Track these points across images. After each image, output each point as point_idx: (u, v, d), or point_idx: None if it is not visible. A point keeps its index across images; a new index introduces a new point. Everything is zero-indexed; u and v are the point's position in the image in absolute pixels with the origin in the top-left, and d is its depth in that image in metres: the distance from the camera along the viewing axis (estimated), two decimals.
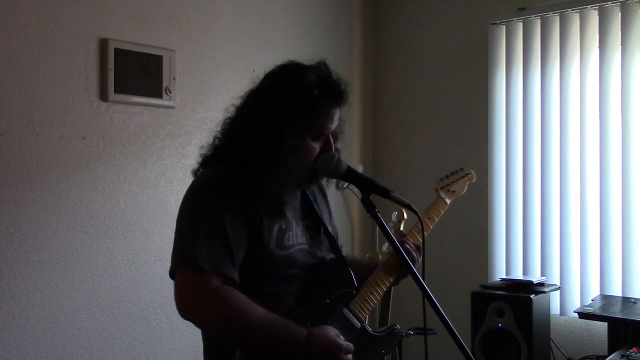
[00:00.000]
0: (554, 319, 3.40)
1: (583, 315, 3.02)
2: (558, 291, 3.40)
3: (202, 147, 1.85)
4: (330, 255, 1.89)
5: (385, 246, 3.11)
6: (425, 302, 1.61)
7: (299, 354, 1.63)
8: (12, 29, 2.63)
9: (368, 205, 1.68)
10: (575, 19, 3.47)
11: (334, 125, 1.79)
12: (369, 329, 1.82)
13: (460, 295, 3.35)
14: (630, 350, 2.75)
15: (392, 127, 4.24)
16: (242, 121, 1.78)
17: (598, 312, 2.99)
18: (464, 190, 2.35)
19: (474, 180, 2.34)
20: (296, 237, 1.79)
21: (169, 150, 3.14)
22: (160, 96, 3.08)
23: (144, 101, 3.03)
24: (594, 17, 3.41)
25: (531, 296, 3.07)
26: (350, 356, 1.69)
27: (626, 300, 3.13)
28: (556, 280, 3.45)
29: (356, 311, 1.80)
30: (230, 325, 1.64)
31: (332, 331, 1.69)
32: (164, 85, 3.09)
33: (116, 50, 2.91)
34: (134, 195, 3.00)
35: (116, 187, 2.94)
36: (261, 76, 1.84)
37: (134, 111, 3.01)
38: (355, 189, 1.74)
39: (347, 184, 3.95)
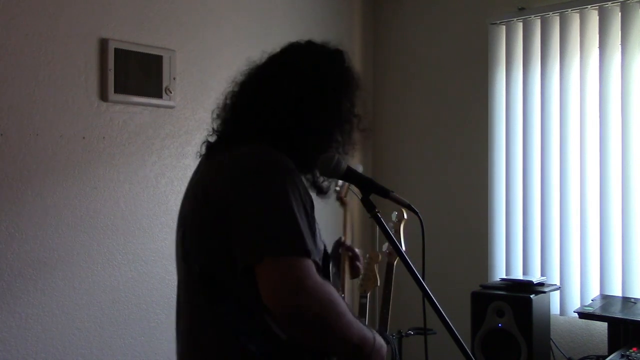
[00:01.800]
0: (554, 319, 3.40)
1: (583, 315, 3.03)
2: (558, 291, 3.40)
3: (215, 117, 1.69)
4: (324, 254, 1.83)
5: (385, 246, 3.11)
6: (425, 302, 1.60)
7: (368, 357, 1.50)
8: (12, 29, 2.63)
9: (368, 205, 1.67)
10: (575, 19, 3.46)
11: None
12: None
13: (460, 295, 3.35)
14: (630, 350, 2.75)
15: (392, 127, 4.24)
16: (280, 92, 1.60)
17: (598, 312, 2.99)
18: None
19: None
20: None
21: (169, 150, 3.14)
22: (160, 96, 3.08)
23: (144, 101, 3.03)
24: (594, 17, 3.41)
25: (531, 296, 3.07)
26: None
27: (626, 300, 3.13)
28: (556, 280, 3.45)
29: None
30: (336, 322, 1.43)
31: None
32: (164, 85, 3.09)
33: (116, 50, 2.91)
34: (134, 195, 3.00)
35: (116, 187, 2.94)
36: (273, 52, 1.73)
37: (134, 111, 3.01)
38: (355, 189, 1.73)
39: (347, 184, 3.94)
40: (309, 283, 1.38)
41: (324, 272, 1.61)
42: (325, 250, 1.72)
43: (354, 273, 1.98)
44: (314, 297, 1.38)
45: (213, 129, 1.68)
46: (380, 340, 1.57)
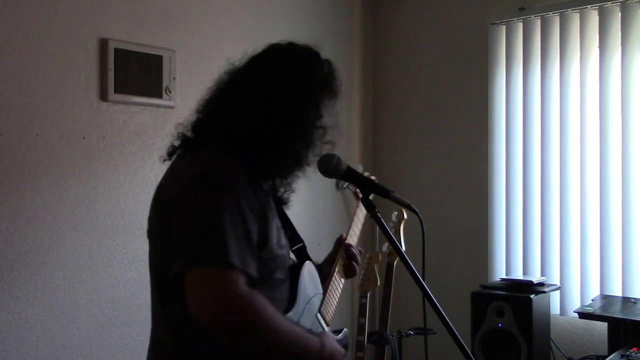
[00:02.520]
0: (554, 319, 3.40)
1: (583, 315, 3.03)
2: (558, 291, 3.40)
3: (179, 125, 1.68)
4: (300, 257, 1.81)
5: (385, 246, 3.12)
6: (425, 302, 1.60)
7: None
8: (12, 29, 2.63)
9: (368, 205, 1.67)
10: (575, 19, 3.46)
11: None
12: (331, 333, 1.80)
13: (460, 295, 3.35)
14: (630, 350, 2.75)
15: (392, 127, 4.24)
16: (243, 96, 1.60)
17: (598, 312, 2.99)
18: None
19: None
20: (284, 236, 1.69)
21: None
22: (160, 96, 3.08)
23: (144, 101, 3.03)
24: (594, 17, 3.41)
25: (531, 296, 3.07)
26: None
27: (626, 300, 3.13)
28: (556, 280, 3.45)
29: (325, 314, 1.79)
30: (261, 333, 1.44)
31: (333, 337, 1.67)
32: (164, 85, 3.09)
33: (116, 50, 2.91)
34: (134, 195, 3.00)
35: (116, 187, 2.94)
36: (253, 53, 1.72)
37: (134, 111, 3.01)
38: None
39: (347, 184, 3.95)
40: (225, 294, 1.39)
41: (294, 270, 1.70)
42: (301, 248, 1.81)
43: (348, 273, 1.95)
44: (230, 308, 1.39)
45: (178, 132, 1.70)
46: (332, 346, 1.61)
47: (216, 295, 1.39)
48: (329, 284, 1.87)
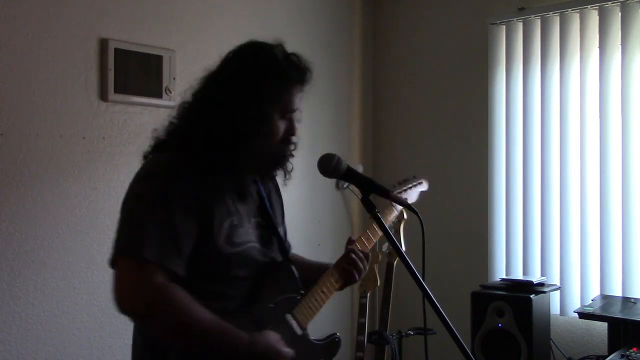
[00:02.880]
0: (554, 319, 3.40)
1: (583, 315, 3.03)
2: (558, 291, 3.40)
3: (155, 129, 1.76)
4: (279, 257, 1.82)
5: (385, 246, 3.11)
6: (425, 302, 1.60)
7: (239, 359, 1.58)
8: (12, 29, 2.63)
9: (368, 205, 1.67)
10: (575, 19, 3.46)
11: (298, 103, 1.74)
12: (310, 336, 1.79)
13: (460, 295, 3.35)
14: (630, 350, 2.75)
15: (392, 127, 4.24)
16: (201, 100, 1.71)
17: (598, 312, 2.99)
18: (415, 199, 2.15)
19: (425, 189, 2.15)
20: (246, 234, 1.71)
21: None
22: (160, 96, 3.08)
23: (144, 101, 3.03)
24: (594, 17, 3.41)
25: (531, 296, 3.07)
26: None
27: (626, 300, 3.13)
28: (556, 280, 3.45)
29: (299, 317, 1.77)
30: (171, 324, 1.55)
31: (274, 337, 1.64)
32: (164, 85, 3.09)
33: (116, 50, 2.91)
34: None
35: (116, 187, 2.94)
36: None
37: (134, 111, 3.01)
38: (355, 189, 1.73)
39: (347, 184, 3.95)
40: (136, 285, 1.54)
41: (263, 269, 1.71)
42: (281, 249, 1.83)
43: (346, 279, 1.89)
44: (135, 299, 1.54)
45: (153, 136, 1.79)
46: (266, 345, 1.60)
47: (129, 284, 1.55)
48: (316, 288, 1.84)
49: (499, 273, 3.64)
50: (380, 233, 1.95)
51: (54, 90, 2.75)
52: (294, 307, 1.77)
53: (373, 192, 1.67)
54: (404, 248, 2.73)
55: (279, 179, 1.95)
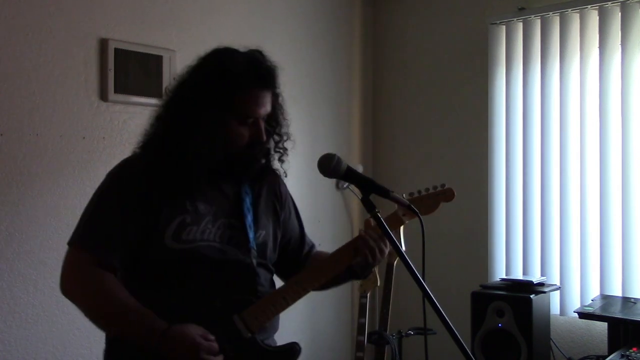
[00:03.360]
0: (554, 319, 3.40)
1: (583, 315, 3.03)
2: (558, 291, 3.40)
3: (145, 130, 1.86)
4: (246, 258, 1.79)
5: None
6: (425, 302, 1.60)
7: (152, 344, 1.63)
8: (12, 29, 2.63)
9: (368, 205, 1.67)
10: (575, 19, 3.46)
11: (262, 110, 1.76)
12: (261, 340, 1.74)
13: (460, 295, 3.35)
14: (630, 350, 2.75)
15: (392, 127, 4.24)
16: (166, 105, 1.80)
17: (598, 312, 2.99)
18: (435, 210, 1.98)
19: (450, 200, 1.98)
20: (202, 232, 1.74)
21: None
22: (160, 96, 3.07)
23: (144, 101, 3.03)
24: (594, 17, 3.41)
25: (531, 296, 3.07)
26: (214, 357, 1.63)
27: (626, 300, 3.13)
28: (556, 280, 3.45)
29: (249, 321, 1.72)
30: (93, 305, 1.71)
31: (196, 330, 1.64)
32: (164, 85, 3.09)
33: (116, 50, 2.91)
34: None
35: None
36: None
37: (134, 111, 3.01)
38: (355, 189, 1.73)
39: (347, 184, 3.95)
40: (70, 271, 1.72)
41: (211, 266, 1.73)
42: (245, 250, 1.80)
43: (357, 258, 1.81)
44: (69, 283, 1.73)
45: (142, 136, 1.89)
46: (180, 330, 1.62)
47: (66, 270, 1.73)
48: (276, 293, 1.78)
49: (499, 273, 3.64)
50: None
51: (54, 90, 2.75)
52: (244, 309, 1.73)
53: (373, 192, 1.67)
54: (404, 248, 2.73)
55: (280, 180, 1.96)
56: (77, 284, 1.72)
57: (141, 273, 1.75)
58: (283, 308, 1.77)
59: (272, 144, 1.88)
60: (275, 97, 1.84)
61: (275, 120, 1.86)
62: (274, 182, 1.95)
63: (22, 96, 2.66)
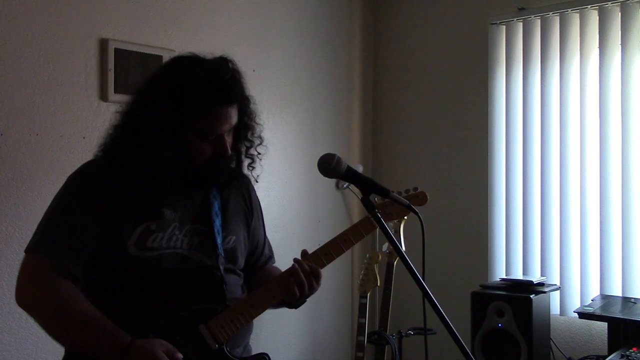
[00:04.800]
0: (554, 319, 3.40)
1: (583, 315, 3.03)
2: (558, 291, 3.40)
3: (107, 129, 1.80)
4: (214, 264, 1.75)
5: (386, 246, 3.12)
6: (425, 302, 1.60)
7: (114, 359, 1.54)
8: (12, 29, 2.63)
9: (368, 205, 1.67)
10: (575, 19, 3.47)
11: (225, 126, 1.69)
12: (229, 352, 1.69)
13: (460, 295, 3.35)
14: (630, 350, 2.75)
15: (392, 128, 4.24)
16: (126, 111, 1.75)
17: (598, 312, 2.99)
18: (406, 214, 2.01)
19: (423, 204, 1.99)
20: (168, 239, 1.69)
21: None
22: None
23: None
24: (594, 17, 3.41)
25: (531, 296, 3.07)
26: None
27: (626, 300, 3.13)
28: (556, 280, 3.45)
29: (216, 331, 1.67)
30: (51, 315, 1.60)
31: (159, 345, 1.56)
32: None
33: (116, 50, 2.91)
34: None
35: None
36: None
37: None
38: (355, 189, 1.73)
39: (347, 184, 3.95)
40: (26, 279, 1.64)
41: (180, 275, 1.68)
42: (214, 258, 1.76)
43: (287, 290, 1.75)
44: (25, 292, 1.64)
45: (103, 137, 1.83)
46: (144, 346, 1.54)
47: (23, 278, 1.66)
48: (244, 302, 1.74)
49: (499, 273, 3.64)
50: (344, 250, 1.90)
51: (54, 90, 2.74)
52: (210, 319, 1.68)
53: (373, 192, 1.67)
54: (403, 248, 2.74)
55: (250, 184, 1.93)
56: (33, 292, 1.62)
57: (103, 282, 1.68)
58: (252, 317, 1.73)
59: (243, 149, 1.83)
60: (243, 105, 1.76)
61: (243, 128, 1.79)
62: (244, 186, 1.92)
63: (22, 96, 2.66)
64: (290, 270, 1.75)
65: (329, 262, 1.86)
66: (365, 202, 1.67)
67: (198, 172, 1.72)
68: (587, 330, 3.41)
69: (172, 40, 3.14)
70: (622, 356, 2.71)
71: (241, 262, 1.86)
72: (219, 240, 1.78)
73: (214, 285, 1.74)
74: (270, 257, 2.03)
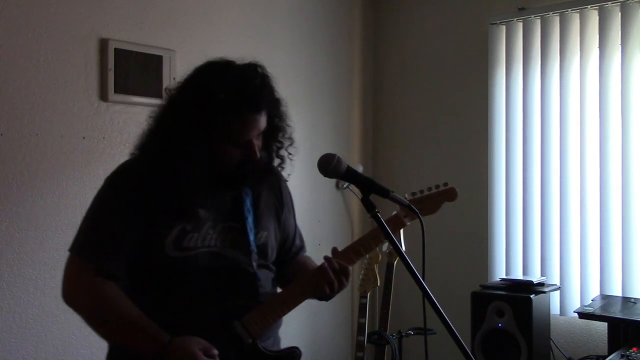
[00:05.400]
0: (554, 319, 3.40)
1: (583, 315, 3.03)
2: (558, 291, 3.40)
3: (142, 131, 1.85)
4: (247, 262, 1.80)
5: (385, 246, 3.12)
6: (425, 302, 1.60)
7: (153, 356, 1.63)
8: (12, 29, 2.63)
9: (368, 205, 1.67)
10: (575, 19, 3.47)
11: (254, 132, 1.72)
12: (262, 346, 1.75)
13: (460, 295, 3.35)
14: (630, 350, 2.75)
15: (392, 127, 4.24)
16: (157, 116, 1.79)
17: (598, 312, 2.99)
18: (437, 210, 1.99)
19: (453, 200, 1.99)
20: (203, 239, 1.75)
21: None
22: (160, 96, 3.07)
23: (144, 101, 3.03)
24: (594, 17, 3.41)
25: (531, 296, 3.07)
26: None
27: (626, 300, 3.13)
28: (556, 280, 3.45)
29: (250, 326, 1.73)
30: (95, 315, 1.71)
31: (196, 343, 1.63)
32: (164, 85, 3.09)
33: (116, 50, 2.91)
34: None
35: None
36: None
37: (134, 111, 3.01)
38: (355, 189, 1.73)
39: (347, 184, 3.95)
40: (71, 280, 1.73)
41: (214, 273, 1.73)
42: (246, 254, 1.80)
43: (316, 287, 1.81)
44: (70, 293, 1.73)
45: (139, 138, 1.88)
46: (181, 344, 1.62)
47: (67, 279, 1.73)
48: (278, 297, 1.82)
49: (499, 273, 3.64)
50: (373, 247, 1.91)
51: (54, 90, 2.75)
52: (245, 314, 1.74)
53: (373, 192, 1.67)
54: (403, 248, 2.74)
55: (281, 179, 1.96)
56: (78, 293, 1.72)
57: (142, 280, 1.75)
58: (284, 312, 1.79)
59: (273, 149, 1.86)
60: (273, 108, 1.79)
61: (274, 130, 1.82)
62: (275, 181, 1.95)
63: (22, 96, 2.66)
64: (320, 268, 1.80)
65: (358, 259, 1.91)
66: (365, 202, 1.67)
67: (229, 173, 1.75)
68: (587, 330, 3.41)
69: (172, 40, 3.15)
70: (622, 356, 2.71)
71: (273, 255, 1.91)
72: (251, 237, 1.82)
73: (247, 282, 1.78)
74: (302, 247, 2.08)
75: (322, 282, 1.79)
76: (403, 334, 3.14)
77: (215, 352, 1.65)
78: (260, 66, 1.76)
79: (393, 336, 3.09)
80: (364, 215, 4.03)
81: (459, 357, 1.58)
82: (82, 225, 1.77)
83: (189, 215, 1.73)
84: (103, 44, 2.89)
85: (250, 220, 1.83)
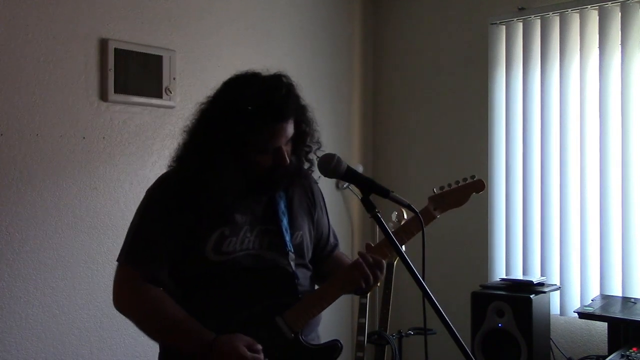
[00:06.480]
0: (554, 319, 3.40)
1: (583, 315, 3.03)
2: (558, 291, 3.40)
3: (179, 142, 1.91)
4: (284, 261, 1.87)
5: None
6: (425, 302, 1.60)
7: (201, 355, 1.71)
8: (12, 29, 2.63)
9: (368, 205, 1.67)
10: (575, 19, 3.47)
11: (282, 140, 1.79)
12: (304, 340, 1.83)
13: (460, 295, 3.35)
14: (630, 350, 2.75)
15: (392, 128, 4.24)
16: (190, 129, 1.87)
17: (598, 312, 2.99)
18: (466, 201, 2.10)
19: (481, 191, 2.09)
20: (241, 242, 1.83)
21: (169, 150, 3.10)
22: (160, 96, 3.08)
23: (144, 101, 3.03)
24: (594, 17, 3.41)
25: (531, 296, 3.07)
26: None
27: (626, 300, 3.13)
28: (556, 280, 3.45)
29: (291, 321, 1.80)
30: (144, 319, 1.80)
31: (241, 340, 1.71)
32: (164, 85, 3.09)
33: (116, 50, 2.91)
34: (134, 195, 2.99)
35: (116, 187, 2.94)
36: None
37: (134, 111, 3.01)
38: (355, 189, 1.73)
39: (347, 184, 3.95)
40: (121, 289, 1.83)
41: (254, 274, 1.81)
42: (284, 256, 1.87)
43: (351, 282, 1.86)
44: (121, 300, 1.83)
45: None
46: (226, 341, 1.69)
47: (116, 286, 1.83)
48: (316, 293, 1.90)
49: (499, 273, 3.64)
50: (405, 240, 1.96)
51: (54, 90, 2.75)
52: (286, 310, 1.81)
53: (373, 192, 1.67)
54: (404, 248, 2.74)
55: (312, 179, 2.02)
56: (128, 300, 1.82)
57: (185, 284, 1.83)
58: (322, 307, 1.86)
59: (302, 153, 1.93)
60: (299, 115, 1.86)
61: (302, 135, 1.89)
62: (306, 183, 2.01)
63: (22, 96, 2.66)
64: (355, 264, 1.85)
65: (391, 253, 1.95)
66: (365, 202, 1.67)
67: (262, 179, 1.82)
68: (587, 330, 3.41)
69: (172, 40, 3.15)
70: (622, 356, 2.71)
71: (309, 254, 1.98)
72: (287, 238, 1.89)
73: (287, 281, 1.85)
74: (336, 244, 2.14)
75: (357, 277, 1.84)
76: (403, 334, 3.14)
77: (259, 347, 1.71)
78: (285, 76, 1.85)
79: (393, 336, 3.09)
80: (364, 215, 4.02)
81: (459, 357, 1.58)
82: (127, 235, 1.85)
83: (226, 220, 1.81)
84: (103, 44, 2.89)
85: (285, 222, 1.90)
